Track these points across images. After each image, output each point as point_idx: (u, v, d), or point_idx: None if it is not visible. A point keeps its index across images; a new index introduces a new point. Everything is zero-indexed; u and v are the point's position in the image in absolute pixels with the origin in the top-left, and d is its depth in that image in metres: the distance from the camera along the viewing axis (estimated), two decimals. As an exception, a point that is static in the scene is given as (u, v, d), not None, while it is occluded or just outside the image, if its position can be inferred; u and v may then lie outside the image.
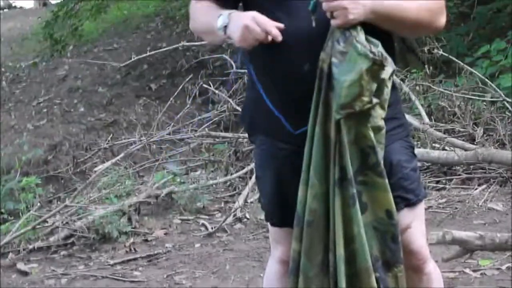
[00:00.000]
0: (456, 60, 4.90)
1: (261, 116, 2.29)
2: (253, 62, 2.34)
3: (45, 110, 9.49)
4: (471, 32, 6.56)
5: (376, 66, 1.97)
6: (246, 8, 2.30)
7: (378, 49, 1.98)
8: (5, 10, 19.98)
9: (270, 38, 2.03)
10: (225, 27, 2.09)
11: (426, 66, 5.16)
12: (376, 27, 2.09)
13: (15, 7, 20.39)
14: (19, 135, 8.62)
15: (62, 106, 9.49)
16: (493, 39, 5.73)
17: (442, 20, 2.24)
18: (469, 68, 4.86)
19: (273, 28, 2.03)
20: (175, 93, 6.19)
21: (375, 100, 1.99)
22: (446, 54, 4.89)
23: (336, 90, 2.00)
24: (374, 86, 1.98)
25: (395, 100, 2.25)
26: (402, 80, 4.95)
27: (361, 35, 1.99)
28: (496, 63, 5.17)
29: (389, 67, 1.99)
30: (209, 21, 2.18)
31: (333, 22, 2.02)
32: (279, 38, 2.02)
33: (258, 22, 2.03)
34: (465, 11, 6.85)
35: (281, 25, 2.04)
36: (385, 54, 1.98)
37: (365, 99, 1.97)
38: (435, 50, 4.75)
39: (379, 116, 2.02)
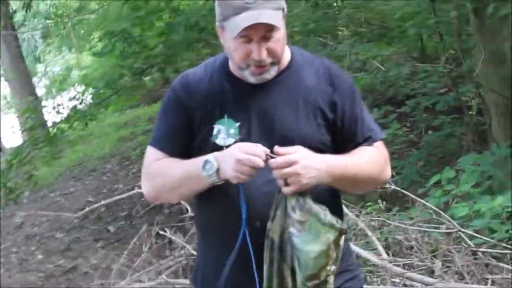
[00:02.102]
0: (408, 194, 4.95)
1: (211, 281, 2.26)
2: (199, 219, 2.35)
3: (2, 259, 9.28)
4: (422, 159, 6.69)
5: (340, 234, 1.97)
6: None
7: (331, 215, 2.00)
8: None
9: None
10: (217, 170, 2.07)
11: (379, 200, 5.20)
12: (323, 187, 2.11)
13: (-31, 154, 20.29)
14: (-25, 288, 8.37)
15: (19, 254, 9.28)
16: (444, 166, 5.84)
17: (388, 171, 2.29)
18: (421, 200, 4.91)
19: (262, 153, 2.03)
20: (134, 239, 6.14)
21: (333, 268, 1.99)
22: (398, 188, 4.94)
23: (301, 262, 1.96)
24: (335, 253, 1.98)
25: (346, 252, 2.25)
26: (357, 215, 4.99)
27: (311, 201, 2.00)
28: (449, 192, 5.23)
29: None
30: (187, 171, 2.16)
31: (285, 189, 2.02)
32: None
33: (247, 151, 2.02)
34: (414, 139, 7.00)
35: (267, 149, 2.04)
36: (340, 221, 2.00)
37: (329, 267, 1.96)
38: (387, 185, 4.79)
39: (332, 280, 2.02)
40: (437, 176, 5.50)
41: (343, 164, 2.14)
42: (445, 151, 6.79)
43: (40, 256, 8.99)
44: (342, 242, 2.02)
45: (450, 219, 4.64)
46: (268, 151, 2.03)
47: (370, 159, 2.23)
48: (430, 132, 7.09)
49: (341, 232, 1.99)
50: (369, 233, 4.80)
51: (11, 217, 10.32)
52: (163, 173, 2.24)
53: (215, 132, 2.20)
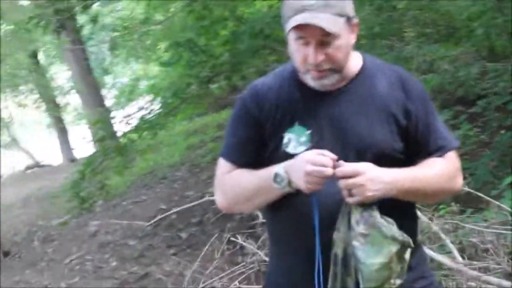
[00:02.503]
0: (482, 195, 4.87)
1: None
2: (271, 227, 2.36)
3: (77, 267, 9.47)
4: (495, 159, 6.55)
5: (404, 247, 1.96)
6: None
7: (396, 228, 1.99)
8: (34, 169, 20.42)
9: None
10: (289, 181, 2.09)
11: (453, 203, 5.13)
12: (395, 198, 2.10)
13: (44, 165, 20.78)
14: (52, 295, 8.59)
15: (94, 262, 9.45)
16: (517, 166, 5.72)
17: (460, 181, 2.26)
18: (495, 202, 4.82)
19: (330, 161, 2.04)
20: (206, 246, 6.20)
21: (398, 282, 1.98)
22: (472, 190, 4.86)
23: (364, 275, 1.97)
24: (399, 267, 1.97)
25: (421, 260, 2.24)
26: (430, 219, 4.92)
27: (377, 214, 1.99)
28: (523, 193, 5.13)
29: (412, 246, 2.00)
30: (259, 183, 2.19)
31: (349, 200, 2.02)
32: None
33: (314, 162, 2.04)
34: (486, 140, 6.87)
35: (334, 156, 2.05)
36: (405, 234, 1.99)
37: (393, 281, 1.96)
38: (460, 187, 4.71)
39: None
40: (510, 177, 5.38)
41: (410, 177, 2.12)
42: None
43: (114, 263, 9.14)
44: (407, 255, 2.00)
45: (526, 220, 4.54)
46: (335, 157, 2.04)
47: (440, 171, 2.21)
48: (502, 131, 6.95)
49: (403, 244, 1.97)
50: (443, 236, 4.74)
51: (85, 226, 10.54)
52: (236, 185, 2.28)
53: (285, 140, 2.22)
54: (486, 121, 7.02)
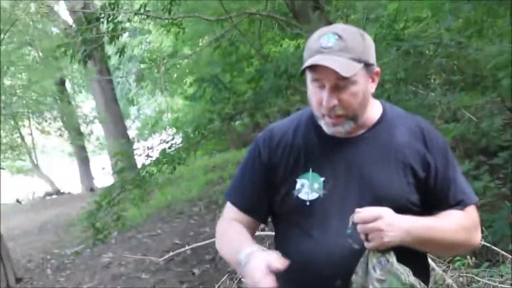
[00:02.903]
0: (499, 250, 4.77)
1: None
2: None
3: (88, 298, 9.45)
4: (514, 214, 6.44)
5: None
6: (277, 223, 2.29)
7: (413, 277, 1.95)
8: (53, 196, 20.51)
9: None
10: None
11: (468, 256, 5.03)
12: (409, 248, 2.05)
13: (63, 193, 20.88)
14: (62, 327, 8.55)
15: (105, 294, 9.43)
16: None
17: (478, 236, 2.21)
18: (512, 257, 4.73)
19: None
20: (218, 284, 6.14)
21: None
22: (488, 244, 4.77)
23: None
24: None
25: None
26: (444, 271, 4.83)
27: (394, 260, 1.96)
28: (541, 250, 5.01)
29: None
30: (233, 253, 2.14)
31: (367, 245, 1.99)
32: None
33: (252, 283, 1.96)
34: (507, 192, 6.76)
35: (282, 266, 1.98)
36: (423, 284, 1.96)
37: None
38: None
39: None
40: (529, 232, 5.28)
41: (428, 227, 2.07)
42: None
43: (125, 296, 9.11)
44: None
45: (544, 278, 4.44)
46: (282, 267, 1.98)
47: (458, 224, 2.16)
48: (524, 184, 6.85)
49: None
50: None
51: (99, 256, 10.51)
52: (222, 242, 2.31)
53: (298, 186, 2.18)
54: (508, 173, 6.91)
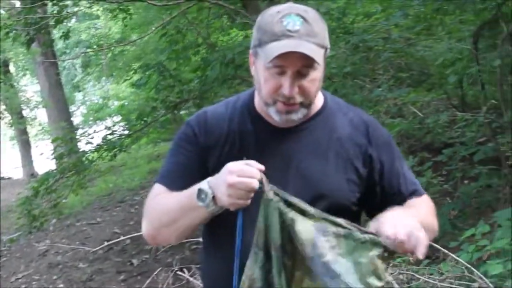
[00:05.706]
0: (440, 248, 4.73)
1: None
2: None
3: (23, 286, 9.21)
4: (456, 210, 6.45)
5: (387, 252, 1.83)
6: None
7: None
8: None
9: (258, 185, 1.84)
10: (213, 197, 1.88)
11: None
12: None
13: (3, 177, 20.46)
14: (-7, 316, 8.32)
15: (40, 282, 9.21)
16: (479, 217, 5.61)
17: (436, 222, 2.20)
18: (453, 255, 4.68)
19: (257, 172, 1.84)
20: (149, 279, 6.02)
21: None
22: (430, 242, 4.72)
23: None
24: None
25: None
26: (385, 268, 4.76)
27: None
28: (482, 248, 4.98)
29: None
30: (181, 201, 1.97)
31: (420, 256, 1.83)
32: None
33: (240, 174, 1.83)
34: (449, 189, 6.77)
35: (262, 167, 1.86)
36: None
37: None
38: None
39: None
40: (471, 230, 5.25)
41: (416, 217, 1.97)
42: (481, 202, 6.55)
43: (61, 285, 8.90)
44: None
45: (482, 276, 4.40)
46: (262, 168, 1.86)
47: (428, 212, 2.14)
48: (466, 182, 6.86)
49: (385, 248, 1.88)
50: (397, 287, 4.57)
51: (36, 244, 10.27)
52: (160, 208, 2.09)
53: None
54: (451, 170, 6.92)
